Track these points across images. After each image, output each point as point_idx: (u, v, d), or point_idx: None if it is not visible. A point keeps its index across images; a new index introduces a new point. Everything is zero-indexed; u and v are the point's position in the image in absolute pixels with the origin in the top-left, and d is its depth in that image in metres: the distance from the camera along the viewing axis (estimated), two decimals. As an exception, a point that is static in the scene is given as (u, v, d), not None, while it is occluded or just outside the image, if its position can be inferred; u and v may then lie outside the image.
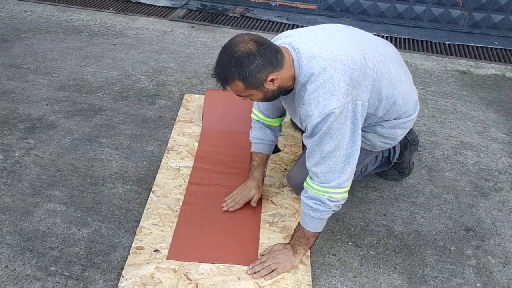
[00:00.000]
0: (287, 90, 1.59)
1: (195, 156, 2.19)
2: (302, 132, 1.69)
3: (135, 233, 1.79)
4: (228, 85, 1.50)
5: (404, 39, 3.55)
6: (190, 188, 2.00)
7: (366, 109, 1.58)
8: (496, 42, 3.52)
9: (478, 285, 1.69)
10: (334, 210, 1.61)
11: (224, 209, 1.90)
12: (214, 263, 1.67)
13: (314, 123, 1.50)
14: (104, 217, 1.88)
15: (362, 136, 1.69)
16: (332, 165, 1.54)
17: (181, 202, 1.93)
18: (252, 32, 1.59)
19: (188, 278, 1.61)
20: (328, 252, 1.78)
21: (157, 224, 1.82)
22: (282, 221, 1.87)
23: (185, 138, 2.32)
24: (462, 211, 2.00)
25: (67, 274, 1.65)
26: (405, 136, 2.00)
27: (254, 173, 1.92)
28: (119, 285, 1.59)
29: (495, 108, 2.73)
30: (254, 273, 1.65)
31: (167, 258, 1.68)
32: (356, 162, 1.57)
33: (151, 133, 2.38)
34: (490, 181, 2.17)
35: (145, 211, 1.88)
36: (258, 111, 1.92)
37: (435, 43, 3.50)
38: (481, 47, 3.46)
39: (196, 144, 2.27)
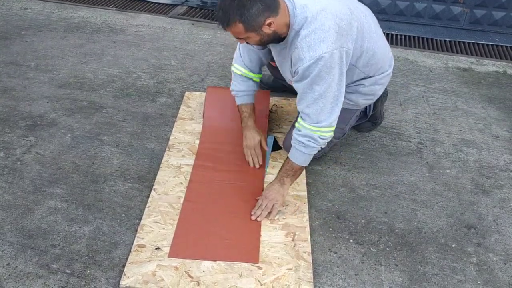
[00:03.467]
0: (280, 38, 1.73)
1: (196, 153, 2.18)
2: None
3: (136, 230, 1.79)
4: (228, 27, 1.62)
5: (405, 36, 3.54)
6: (191, 186, 2.00)
7: (350, 57, 1.75)
8: (497, 39, 3.51)
9: (479, 282, 1.69)
10: (321, 147, 1.81)
11: (256, 166, 2.07)
12: (215, 261, 1.68)
13: (305, 66, 1.65)
14: (106, 215, 1.88)
15: (347, 97, 1.91)
16: (323, 106, 1.71)
17: (182, 200, 1.93)
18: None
19: (190, 276, 1.62)
20: (329, 249, 1.78)
21: (159, 222, 1.82)
22: (283, 218, 1.87)
23: (186, 135, 2.32)
24: (463, 209, 2.00)
25: (69, 271, 1.65)
26: None
27: (248, 123, 2.09)
28: (120, 283, 1.59)
29: (496, 105, 2.73)
30: (257, 217, 1.83)
31: (169, 256, 1.68)
32: (341, 105, 1.75)
33: (152, 130, 2.38)
34: (491, 178, 2.17)
35: (146, 209, 1.88)
36: (241, 65, 2.04)
37: (436, 40, 3.50)
38: (482, 44, 3.45)
39: (197, 141, 2.27)
